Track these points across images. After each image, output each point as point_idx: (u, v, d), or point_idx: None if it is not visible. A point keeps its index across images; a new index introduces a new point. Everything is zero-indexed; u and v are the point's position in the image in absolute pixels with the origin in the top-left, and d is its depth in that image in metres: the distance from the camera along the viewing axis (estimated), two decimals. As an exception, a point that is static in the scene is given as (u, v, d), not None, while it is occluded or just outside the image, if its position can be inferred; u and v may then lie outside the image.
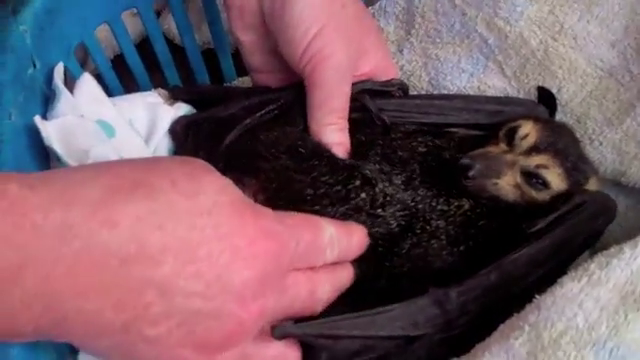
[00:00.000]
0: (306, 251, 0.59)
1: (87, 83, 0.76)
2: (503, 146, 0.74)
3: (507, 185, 0.71)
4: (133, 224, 0.48)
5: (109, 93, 0.89)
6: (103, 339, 0.50)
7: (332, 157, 0.73)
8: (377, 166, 0.73)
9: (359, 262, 0.68)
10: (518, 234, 0.68)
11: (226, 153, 0.76)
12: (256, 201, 0.71)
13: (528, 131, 0.73)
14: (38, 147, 0.70)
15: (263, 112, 0.78)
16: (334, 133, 0.75)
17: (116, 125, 0.75)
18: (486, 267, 0.66)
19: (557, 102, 0.83)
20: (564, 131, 0.77)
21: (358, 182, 0.71)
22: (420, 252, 0.70)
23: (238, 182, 0.70)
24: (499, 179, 0.70)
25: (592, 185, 0.74)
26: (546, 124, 0.75)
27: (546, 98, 0.83)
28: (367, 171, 0.72)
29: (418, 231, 0.70)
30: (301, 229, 0.59)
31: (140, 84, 0.96)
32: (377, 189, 0.71)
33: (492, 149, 0.74)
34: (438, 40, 0.88)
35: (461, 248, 0.70)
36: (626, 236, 0.65)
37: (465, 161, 0.69)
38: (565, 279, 0.61)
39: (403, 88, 0.82)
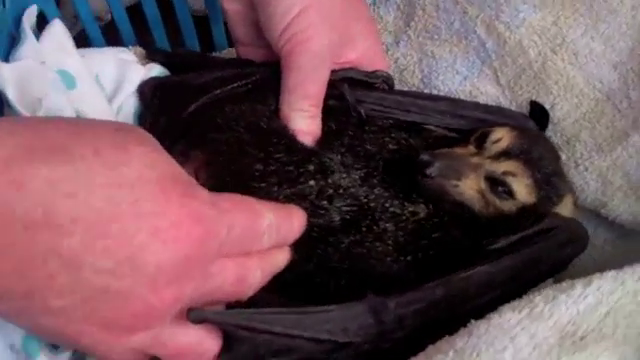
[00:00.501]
0: (240, 237, 0.56)
1: (56, 30, 0.73)
2: (472, 148, 0.70)
3: (469, 189, 0.66)
4: (43, 188, 0.45)
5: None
6: (3, 302, 0.47)
7: (294, 139, 0.70)
8: (339, 157, 0.69)
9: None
10: (477, 250, 0.64)
11: (187, 121, 0.73)
12: (197, 176, 0.68)
13: (501, 136, 0.69)
14: (-9, 89, 0.67)
15: (235, 85, 0.75)
16: (304, 120, 0.71)
17: (78, 77, 0.72)
18: (433, 280, 0.61)
19: (549, 119, 0.78)
20: (542, 142, 0.72)
21: (312, 167, 0.68)
22: (362, 252, 0.66)
23: (183, 155, 0.68)
24: (460, 181, 0.66)
25: (566, 205, 0.70)
26: (523, 132, 0.70)
27: (538, 113, 0.78)
28: (326, 159, 0.68)
29: (363, 229, 0.67)
30: (237, 214, 0.56)
31: (126, 43, 0.92)
32: (330, 180, 0.68)
33: (459, 150, 0.69)
34: (436, 37, 0.84)
35: (408, 258, 0.66)
36: (598, 271, 0.60)
37: (425, 157, 0.65)
38: (505, 307, 0.57)
39: (388, 82, 0.78)
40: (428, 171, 0.64)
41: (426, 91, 0.85)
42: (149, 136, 0.54)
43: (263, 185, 0.66)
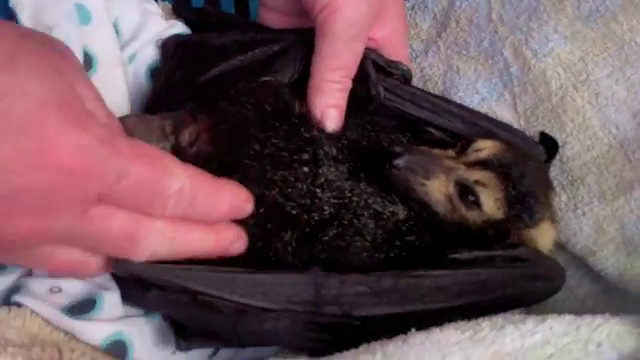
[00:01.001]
0: (134, 190, 0.51)
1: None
2: (451, 152, 0.68)
3: (436, 191, 0.64)
4: None
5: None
6: None
7: (296, 125, 0.68)
8: (334, 151, 0.68)
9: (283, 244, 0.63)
10: (442, 258, 0.63)
11: (202, 84, 0.73)
12: (197, 139, 0.67)
13: (485, 146, 0.66)
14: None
15: (256, 51, 0.74)
16: (334, 93, 0.68)
17: (95, 14, 0.72)
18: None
19: (558, 156, 0.75)
20: (530, 162, 0.68)
21: (306, 156, 0.66)
22: (342, 245, 0.65)
23: (191, 115, 0.68)
24: (428, 180, 0.64)
25: (543, 232, 0.67)
26: (512, 148, 0.68)
27: (547, 145, 0.75)
28: (320, 151, 0.67)
29: (345, 222, 0.65)
30: (136, 163, 0.50)
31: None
32: (320, 170, 0.66)
33: (436, 150, 0.67)
34: (464, 52, 0.82)
35: (381, 256, 0.65)
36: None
37: (396, 148, 0.64)
38: (450, 325, 0.55)
39: (406, 76, 0.75)
40: (395, 162, 0.63)
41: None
42: (59, 53, 0.51)
43: (255, 164, 0.65)
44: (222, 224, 0.59)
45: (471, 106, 0.80)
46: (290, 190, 0.64)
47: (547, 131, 0.75)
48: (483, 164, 0.65)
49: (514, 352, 0.52)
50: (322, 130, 0.68)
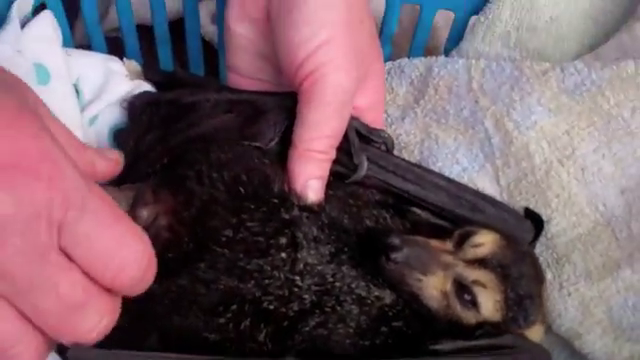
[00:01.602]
0: (94, 233, 0.43)
1: (44, 22, 0.70)
2: (449, 245, 0.64)
3: (432, 288, 0.60)
4: None
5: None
6: None
7: (276, 206, 0.63)
8: (314, 231, 0.63)
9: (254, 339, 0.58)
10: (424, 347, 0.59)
11: (171, 152, 0.68)
12: (154, 222, 0.62)
13: (484, 241, 0.63)
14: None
15: (232, 114, 0.69)
16: (319, 163, 0.64)
17: (54, 74, 0.68)
18: None
19: (542, 232, 0.71)
20: (527, 261, 0.65)
21: (283, 240, 0.61)
22: (324, 334, 0.60)
23: (154, 192, 0.63)
24: (424, 276, 0.60)
25: (534, 332, 0.63)
26: (510, 245, 0.64)
27: (532, 221, 0.72)
28: (300, 233, 0.62)
29: (327, 309, 0.60)
30: (101, 201, 0.43)
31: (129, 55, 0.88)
32: (299, 255, 0.61)
33: (434, 242, 0.63)
34: (443, 120, 0.78)
35: (366, 343, 0.60)
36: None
37: (394, 240, 0.59)
38: None
39: (388, 145, 0.72)
40: (393, 256, 0.59)
41: (421, 174, 0.79)
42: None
43: (226, 252, 0.60)
44: None
45: (451, 177, 0.77)
46: (267, 281, 0.59)
47: (531, 206, 0.72)
48: (482, 263, 0.61)
49: None
50: (303, 208, 0.63)
